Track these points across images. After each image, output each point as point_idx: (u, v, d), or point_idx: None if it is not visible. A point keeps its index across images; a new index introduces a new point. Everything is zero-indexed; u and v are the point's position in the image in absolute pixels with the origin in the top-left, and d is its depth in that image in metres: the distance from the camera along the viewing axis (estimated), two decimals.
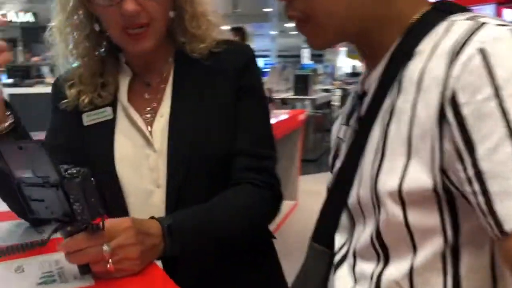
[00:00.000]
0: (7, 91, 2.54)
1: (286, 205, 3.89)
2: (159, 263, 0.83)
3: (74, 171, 0.66)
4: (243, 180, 1.00)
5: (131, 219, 0.78)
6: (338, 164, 0.76)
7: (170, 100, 1.04)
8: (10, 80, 5.88)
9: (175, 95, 1.04)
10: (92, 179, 0.68)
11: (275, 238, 1.11)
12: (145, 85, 1.08)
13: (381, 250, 0.64)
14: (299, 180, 4.09)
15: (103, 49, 1.08)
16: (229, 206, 0.96)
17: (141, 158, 1.02)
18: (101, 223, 0.70)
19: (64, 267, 0.75)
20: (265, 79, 6.52)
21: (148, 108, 1.06)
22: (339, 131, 0.81)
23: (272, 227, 1.09)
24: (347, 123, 0.77)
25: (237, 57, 1.06)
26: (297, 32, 0.73)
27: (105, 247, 0.71)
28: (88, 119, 1.05)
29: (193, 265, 0.88)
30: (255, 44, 13.33)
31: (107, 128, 1.04)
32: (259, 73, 1.11)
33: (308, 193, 3.64)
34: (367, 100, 0.69)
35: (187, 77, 1.05)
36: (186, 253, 0.85)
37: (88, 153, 1.04)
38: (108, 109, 1.05)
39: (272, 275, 1.08)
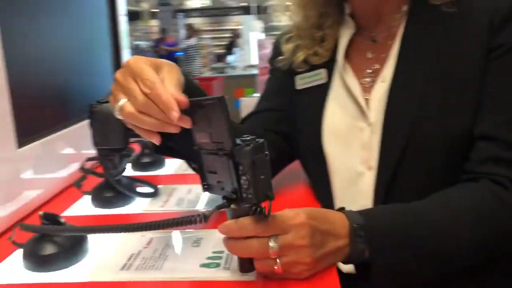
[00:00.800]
0: None
1: None
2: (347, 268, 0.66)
3: (248, 139, 0.55)
4: (483, 175, 0.72)
5: (308, 213, 0.61)
6: None
7: (396, 60, 0.82)
8: None
9: (403, 55, 0.82)
10: (267, 153, 0.56)
11: None
12: (370, 41, 0.89)
13: None
14: None
15: None
16: (455, 208, 0.70)
17: (353, 131, 0.85)
18: (266, 209, 0.58)
19: None
20: None
21: (369, 71, 0.87)
22: None
23: None
24: None
25: (496, 4, 0.75)
26: None
27: (272, 243, 0.58)
28: (301, 82, 0.94)
29: (393, 280, 0.66)
30: None
31: (320, 94, 0.91)
32: None
33: None
34: None
35: (422, 31, 0.81)
36: (382, 265, 0.65)
37: (296, 121, 0.93)
38: (323, 72, 0.91)
39: None
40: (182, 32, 9.41)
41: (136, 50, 9.96)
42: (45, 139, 0.95)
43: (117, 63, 1.41)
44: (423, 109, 0.77)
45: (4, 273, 0.66)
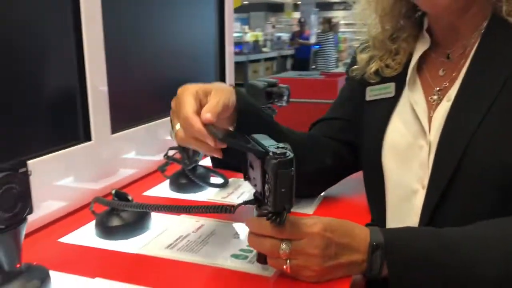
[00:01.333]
0: None
1: None
2: None
3: (278, 152, 0.61)
4: None
5: (328, 223, 0.65)
6: None
7: (462, 79, 0.80)
8: None
9: (470, 74, 0.79)
10: (292, 169, 0.60)
11: None
12: (444, 58, 0.87)
13: None
14: None
15: (405, 11, 0.92)
16: (493, 239, 0.67)
17: (413, 149, 0.85)
18: (282, 219, 0.63)
19: None
20: None
21: (438, 88, 0.86)
22: None
23: None
24: None
25: None
26: None
27: (284, 246, 0.63)
28: (371, 93, 0.95)
29: None
30: None
31: (386, 108, 0.91)
32: None
33: None
34: None
35: (495, 51, 0.78)
36: (397, 283, 0.65)
37: (362, 133, 0.95)
38: (392, 85, 0.91)
39: None
40: (317, 26, 9.41)
41: (277, 42, 10.26)
42: (134, 128, 1.10)
43: (221, 60, 1.53)
44: (480, 133, 0.74)
45: (79, 236, 0.81)
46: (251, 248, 0.74)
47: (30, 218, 0.82)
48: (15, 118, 0.81)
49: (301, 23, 9.59)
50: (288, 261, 0.64)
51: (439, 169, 0.78)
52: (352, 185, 1.02)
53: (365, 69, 0.95)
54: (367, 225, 0.70)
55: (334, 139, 0.98)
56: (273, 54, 9.17)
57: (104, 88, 0.97)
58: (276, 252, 0.64)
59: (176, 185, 1.03)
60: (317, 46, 8.46)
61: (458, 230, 0.69)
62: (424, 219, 0.79)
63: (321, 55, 8.30)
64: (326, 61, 8.03)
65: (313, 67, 8.29)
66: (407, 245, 0.66)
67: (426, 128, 0.83)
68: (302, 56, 9.03)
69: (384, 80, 0.92)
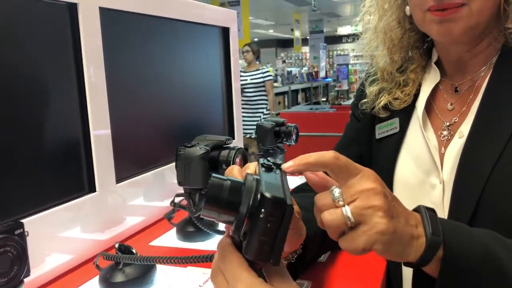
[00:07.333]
0: None
1: None
2: None
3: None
4: None
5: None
6: None
7: (476, 116, 0.77)
8: None
9: (483, 111, 0.77)
10: None
11: None
12: (452, 92, 0.85)
13: None
14: None
15: (413, 41, 0.90)
16: None
17: (424, 188, 0.82)
18: None
19: None
20: None
21: (448, 123, 0.83)
22: None
23: None
24: None
25: None
26: None
27: (335, 191, 0.50)
28: (379, 131, 0.93)
29: None
30: None
31: (393, 143, 0.88)
32: None
33: None
34: None
35: (506, 87, 0.75)
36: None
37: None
38: (396, 121, 0.89)
39: None
40: (325, 60, 9.23)
41: (288, 76, 10.32)
42: (140, 175, 1.08)
43: (228, 97, 1.52)
44: (499, 171, 0.70)
45: None
46: None
47: (33, 275, 0.80)
48: (16, 172, 0.79)
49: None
50: (346, 208, 0.50)
51: (457, 211, 0.74)
52: None
53: (374, 103, 0.93)
54: None
55: None
56: (285, 88, 9.16)
57: (108, 136, 0.96)
58: (329, 201, 0.51)
59: (183, 234, 1.00)
60: (330, 79, 8.35)
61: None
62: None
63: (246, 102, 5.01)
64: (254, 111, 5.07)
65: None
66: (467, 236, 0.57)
67: (439, 165, 0.80)
68: None
69: (392, 114, 0.90)
